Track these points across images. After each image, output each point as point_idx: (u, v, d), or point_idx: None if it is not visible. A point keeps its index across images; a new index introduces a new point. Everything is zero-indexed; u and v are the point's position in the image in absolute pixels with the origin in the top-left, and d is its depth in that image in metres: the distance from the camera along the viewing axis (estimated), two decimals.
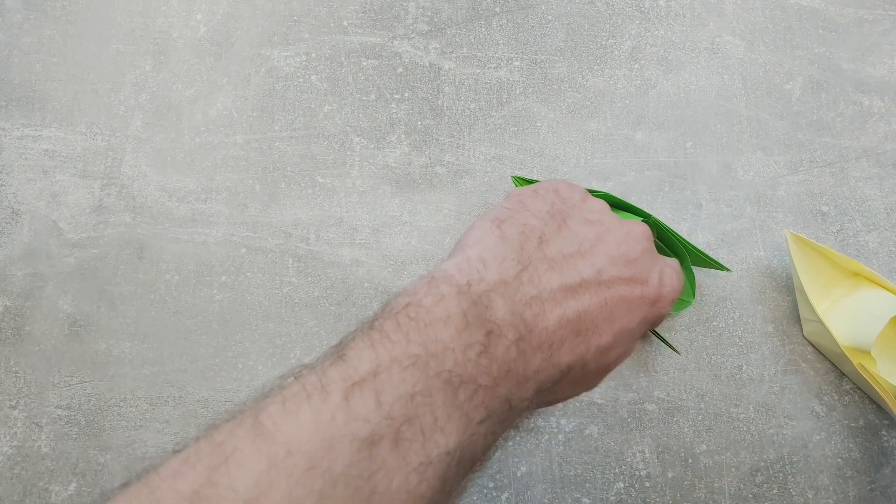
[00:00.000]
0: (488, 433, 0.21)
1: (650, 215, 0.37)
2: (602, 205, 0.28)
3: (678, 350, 0.40)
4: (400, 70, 0.45)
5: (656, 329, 0.38)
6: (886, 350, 0.39)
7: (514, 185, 0.38)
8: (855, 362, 0.37)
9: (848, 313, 0.38)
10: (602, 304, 0.24)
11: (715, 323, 0.40)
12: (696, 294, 0.40)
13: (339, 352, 0.20)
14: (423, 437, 0.19)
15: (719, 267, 0.39)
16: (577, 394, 0.26)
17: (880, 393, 0.36)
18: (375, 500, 0.17)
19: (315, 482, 0.17)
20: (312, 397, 0.18)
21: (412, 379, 0.19)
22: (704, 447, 0.38)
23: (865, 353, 0.37)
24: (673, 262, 0.29)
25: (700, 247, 0.41)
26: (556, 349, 0.23)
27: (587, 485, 0.37)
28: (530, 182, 0.37)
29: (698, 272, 0.41)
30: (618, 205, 0.37)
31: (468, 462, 0.21)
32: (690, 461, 0.38)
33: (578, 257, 0.25)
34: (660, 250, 0.38)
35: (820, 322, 0.37)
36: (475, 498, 0.37)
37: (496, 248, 0.24)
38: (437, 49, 0.45)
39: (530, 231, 0.25)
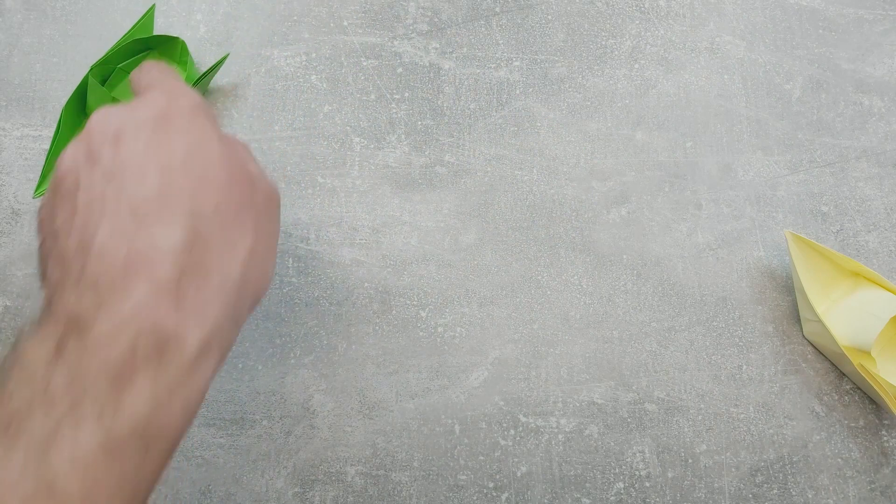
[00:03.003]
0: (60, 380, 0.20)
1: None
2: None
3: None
4: (400, 70, 0.45)
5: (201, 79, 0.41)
6: (886, 350, 0.39)
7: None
8: (855, 362, 0.37)
9: (848, 313, 0.38)
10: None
11: (715, 323, 0.40)
12: (697, 292, 0.40)
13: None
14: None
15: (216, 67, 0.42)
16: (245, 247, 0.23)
17: (880, 393, 0.36)
18: None
19: None
20: None
21: None
22: (704, 447, 0.38)
23: (865, 353, 0.37)
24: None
25: (700, 247, 0.41)
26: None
27: (587, 485, 0.37)
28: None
29: None
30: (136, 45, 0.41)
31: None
32: (690, 461, 0.38)
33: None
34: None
35: (820, 322, 0.37)
36: (475, 498, 0.37)
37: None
38: (437, 49, 0.45)
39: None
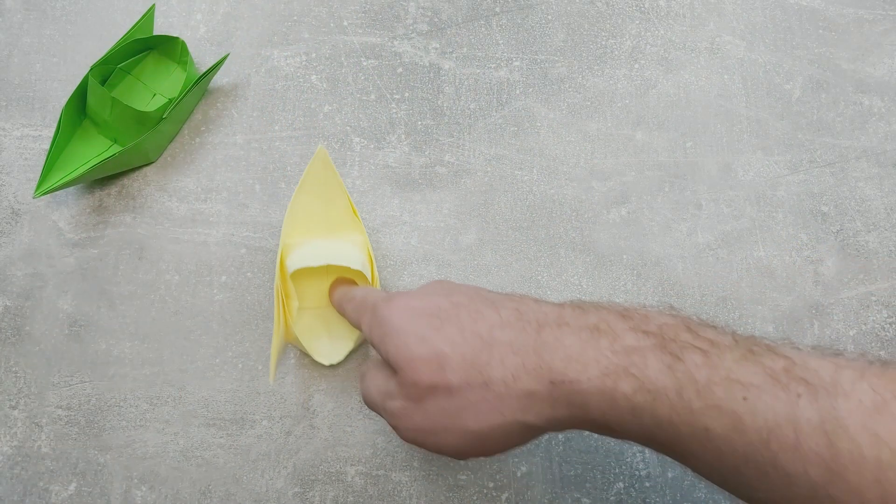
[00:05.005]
0: None
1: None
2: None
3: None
4: (400, 70, 0.45)
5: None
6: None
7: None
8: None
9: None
10: None
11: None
12: (697, 292, 0.40)
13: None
14: None
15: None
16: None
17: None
18: None
19: None
20: None
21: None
22: None
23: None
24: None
25: (700, 247, 0.41)
26: None
27: (587, 485, 0.37)
28: None
29: None
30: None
31: None
32: None
33: None
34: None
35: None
36: (475, 498, 0.37)
37: None
38: (437, 49, 0.45)
39: None
